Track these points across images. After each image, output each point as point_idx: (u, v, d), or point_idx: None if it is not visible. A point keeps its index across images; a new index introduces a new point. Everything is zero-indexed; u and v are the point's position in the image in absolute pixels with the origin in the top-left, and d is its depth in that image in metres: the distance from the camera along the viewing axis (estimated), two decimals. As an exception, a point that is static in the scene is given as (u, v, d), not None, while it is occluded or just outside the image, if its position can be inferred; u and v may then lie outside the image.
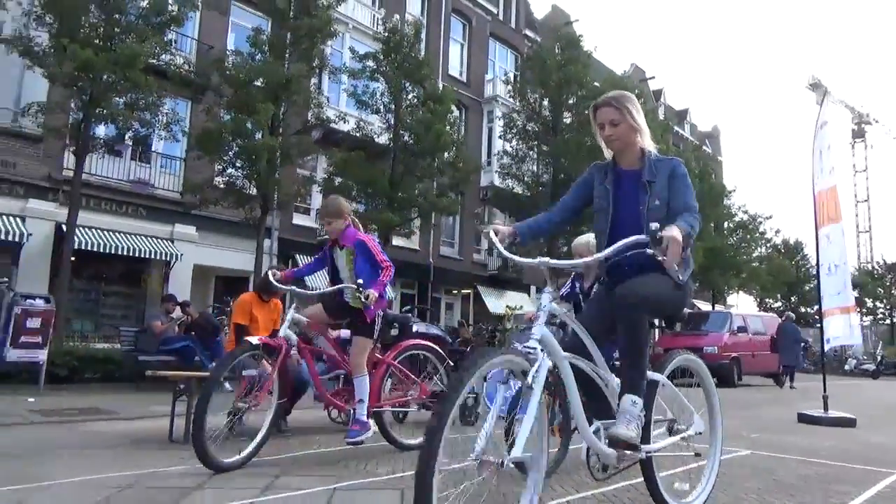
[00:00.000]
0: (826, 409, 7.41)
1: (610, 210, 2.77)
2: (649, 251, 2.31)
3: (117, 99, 10.05)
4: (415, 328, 7.13)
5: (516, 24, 27.97)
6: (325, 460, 4.28)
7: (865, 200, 50.14)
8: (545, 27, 28.14)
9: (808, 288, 38.03)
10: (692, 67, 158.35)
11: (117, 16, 10.01)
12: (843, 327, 6.78)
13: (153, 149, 16.28)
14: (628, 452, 2.54)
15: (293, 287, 4.80)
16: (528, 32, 28.13)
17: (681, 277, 2.66)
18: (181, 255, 16.01)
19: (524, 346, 2.25)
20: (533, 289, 26.84)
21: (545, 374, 2.22)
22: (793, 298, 39.02)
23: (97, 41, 9.79)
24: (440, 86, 17.58)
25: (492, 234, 2.63)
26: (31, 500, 3.02)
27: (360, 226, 4.53)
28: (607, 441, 2.53)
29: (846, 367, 27.77)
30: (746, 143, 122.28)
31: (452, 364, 6.62)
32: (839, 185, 6.86)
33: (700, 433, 3.04)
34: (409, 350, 4.91)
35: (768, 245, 34.81)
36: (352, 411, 4.25)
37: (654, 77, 35.69)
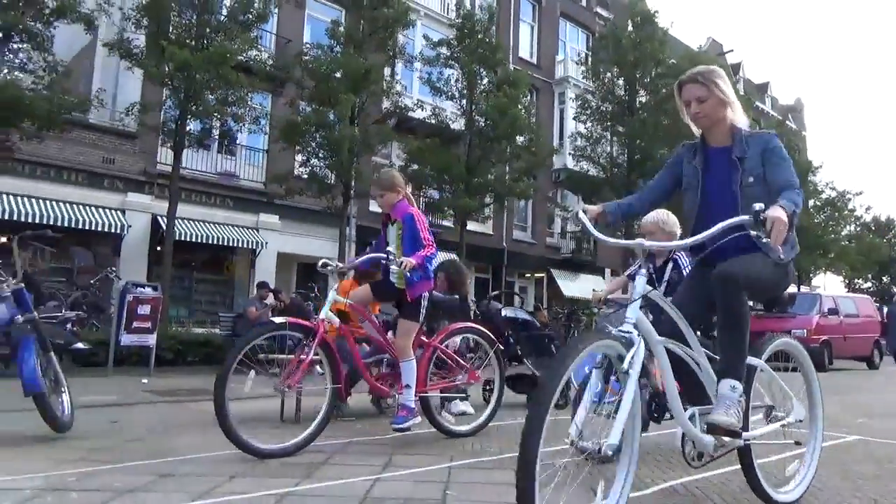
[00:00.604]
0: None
1: (699, 190, 2.69)
2: (752, 233, 2.19)
3: (209, 96, 10.58)
4: (504, 313, 7.22)
5: (588, 1, 27.41)
6: (373, 447, 4.12)
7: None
8: (617, 4, 27.44)
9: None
10: (772, 38, 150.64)
11: (207, 16, 10.51)
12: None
13: (238, 142, 17.00)
14: (727, 439, 2.47)
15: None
16: (600, 10, 27.52)
17: (782, 257, 2.55)
18: (266, 243, 16.73)
19: (619, 331, 2.19)
20: (607, 272, 26.50)
21: (642, 358, 2.16)
22: (884, 278, 37.02)
23: (190, 41, 10.33)
24: (511, 69, 17.53)
25: (581, 214, 2.63)
26: (178, 471, 3.32)
27: (413, 202, 4.38)
28: (705, 427, 2.46)
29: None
30: (833, 115, 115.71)
31: (523, 349, 6.61)
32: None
33: (800, 420, 2.93)
34: (458, 333, 4.79)
35: (858, 223, 33.12)
36: (396, 396, 4.18)
37: (732, 50, 34.50)
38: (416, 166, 15.15)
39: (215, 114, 10.70)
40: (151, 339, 8.84)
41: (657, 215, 4.23)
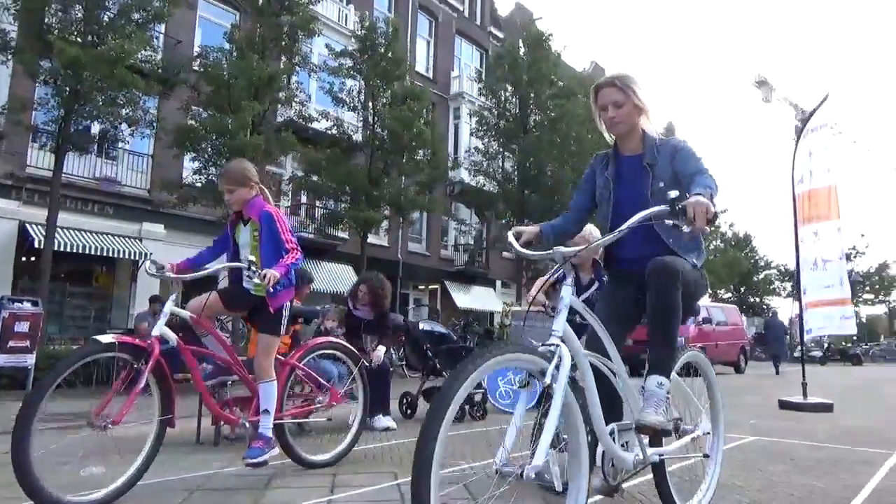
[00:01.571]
0: (805, 395, 7.88)
1: (611, 200, 2.66)
2: (669, 222, 2.11)
3: (98, 97, 9.80)
4: (421, 326, 7.23)
5: (481, 21, 28.22)
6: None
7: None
8: (510, 24, 28.48)
9: (756, 279, 39.73)
10: (646, 66, 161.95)
11: (98, 11, 9.77)
12: (825, 319, 7.24)
13: (120, 145, 15.89)
14: (649, 451, 2.47)
15: (182, 276, 3.66)
16: (493, 30, 28.42)
17: (696, 261, 2.59)
18: (150, 253, 15.69)
19: (544, 344, 2.09)
20: (498, 283, 27.23)
21: (567, 372, 2.02)
22: (742, 289, 40.61)
23: (77, 37, 9.54)
24: (410, 83, 17.67)
25: (511, 238, 2.52)
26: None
27: (269, 198, 3.76)
28: (635, 427, 2.41)
29: (795, 354, 29.17)
30: (700, 139, 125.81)
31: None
32: (838, 185, 7.29)
33: (708, 433, 2.96)
34: (318, 349, 4.27)
35: (722, 238, 36.16)
36: (247, 424, 3.65)
37: (612, 75, 36.41)
38: (315, 177, 14.85)
39: (108, 116, 9.89)
40: (31, 359, 8.04)
41: (585, 229, 4.42)
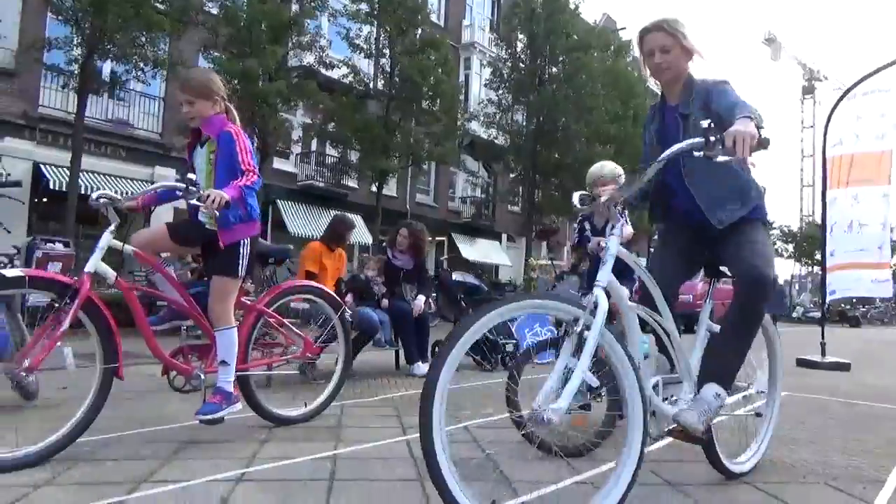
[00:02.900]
0: (824, 354, 8.06)
1: (657, 155, 2.39)
2: (700, 153, 1.96)
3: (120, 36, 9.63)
4: (454, 277, 7.34)
5: (495, -32, 27.53)
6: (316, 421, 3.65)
7: (811, 156, 52.16)
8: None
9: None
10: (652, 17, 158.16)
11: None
12: (854, 281, 7.37)
13: (131, 87, 15.68)
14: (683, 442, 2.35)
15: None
16: (507, -23, 27.74)
17: (758, 205, 2.46)
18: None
19: (582, 294, 2.05)
20: (504, 237, 27.33)
21: (603, 317, 1.89)
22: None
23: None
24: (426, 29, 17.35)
25: (574, 199, 2.23)
26: (201, 437, 3.17)
27: (236, 118, 3.25)
28: (672, 417, 2.27)
29: (793, 314, 29.57)
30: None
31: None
32: (894, 149, 7.24)
33: (762, 392, 2.83)
34: (290, 293, 3.74)
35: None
36: (202, 375, 3.20)
37: (625, 28, 35.76)
38: (330, 126, 14.74)
39: (132, 57, 9.74)
40: (63, 300, 8.11)
41: (601, 165, 4.14)
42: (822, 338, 8.10)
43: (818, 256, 38.26)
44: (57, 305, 2.69)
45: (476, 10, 26.47)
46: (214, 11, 12.24)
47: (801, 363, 8.10)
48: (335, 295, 4.04)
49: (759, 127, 1.94)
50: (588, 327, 1.87)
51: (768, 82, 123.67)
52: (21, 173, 13.93)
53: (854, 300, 29.09)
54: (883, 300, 40.16)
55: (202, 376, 3.20)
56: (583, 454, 2.75)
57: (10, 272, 2.61)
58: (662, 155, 2.08)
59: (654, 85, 2.72)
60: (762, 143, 1.88)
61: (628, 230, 3.97)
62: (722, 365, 2.38)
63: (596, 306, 1.90)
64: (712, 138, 1.88)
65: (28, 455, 2.56)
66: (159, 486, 2.39)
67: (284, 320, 3.70)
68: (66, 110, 14.60)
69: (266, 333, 3.86)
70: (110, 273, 2.90)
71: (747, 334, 2.38)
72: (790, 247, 38.73)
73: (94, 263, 2.81)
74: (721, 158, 1.90)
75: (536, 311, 1.98)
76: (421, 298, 6.07)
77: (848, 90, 7.48)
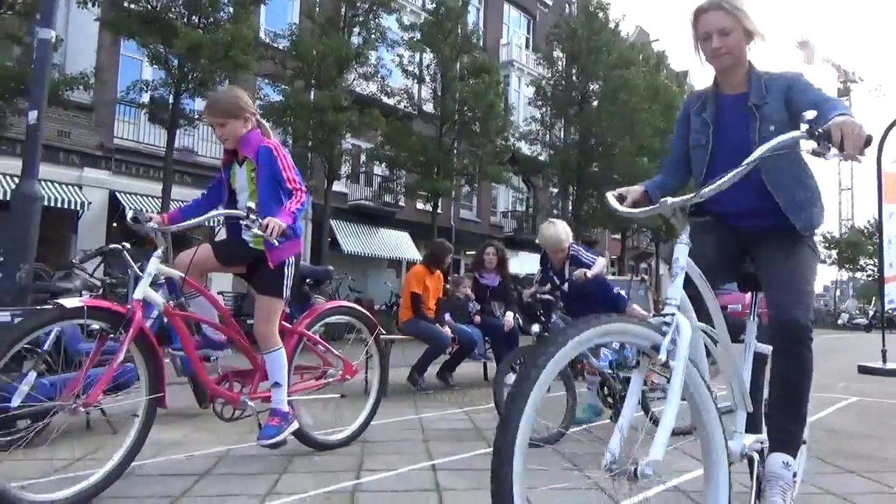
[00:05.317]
0: (885, 361, 8.37)
1: (708, 147, 2.24)
2: (806, 150, 1.75)
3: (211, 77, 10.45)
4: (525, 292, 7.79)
5: (530, -13, 28.19)
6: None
7: (849, 159, 51.64)
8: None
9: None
10: (686, 28, 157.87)
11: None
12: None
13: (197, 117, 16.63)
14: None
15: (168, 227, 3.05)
16: (542, -4, 28.37)
17: (815, 222, 2.21)
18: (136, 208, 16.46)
19: (656, 315, 1.70)
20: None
21: (687, 346, 1.58)
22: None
23: (195, 21, 10.11)
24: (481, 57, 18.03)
25: (612, 200, 2.14)
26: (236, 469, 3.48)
27: (269, 132, 3.18)
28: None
29: (839, 321, 29.41)
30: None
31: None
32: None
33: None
34: (329, 315, 3.68)
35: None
36: (248, 402, 3.11)
37: (658, 39, 36.12)
38: (389, 148, 15.45)
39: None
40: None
41: (554, 227, 4.76)
42: (884, 345, 8.41)
43: (861, 262, 38.02)
44: (108, 334, 2.64)
45: (513, 28, 27.10)
46: (281, 45, 13.05)
47: (863, 370, 8.40)
48: (370, 315, 3.95)
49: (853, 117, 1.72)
50: (671, 356, 1.57)
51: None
52: (98, 201, 14.91)
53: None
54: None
55: (249, 402, 3.10)
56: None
57: (69, 302, 2.52)
58: (759, 150, 1.75)
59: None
60: (868, 141, 1.67)
61: (603, 260, 4.76)
62: (780, 431, 2.11)
63: (678, 330, 1.60)
64: (819, 131, 1.65)
65: (81, 491, 2.48)
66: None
67: (324, 342, 3.65)
68: (137, 140, 15.59)
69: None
70: (159, 300, 2.84)
71: (797, 392, 2.10)
72: (833, 252, 38.37)
73: (143, 290, 2.71)
74: (828, 156, 1.67)
75: (611, 338, 1.62)
76: (510, 315, 6.54)
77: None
